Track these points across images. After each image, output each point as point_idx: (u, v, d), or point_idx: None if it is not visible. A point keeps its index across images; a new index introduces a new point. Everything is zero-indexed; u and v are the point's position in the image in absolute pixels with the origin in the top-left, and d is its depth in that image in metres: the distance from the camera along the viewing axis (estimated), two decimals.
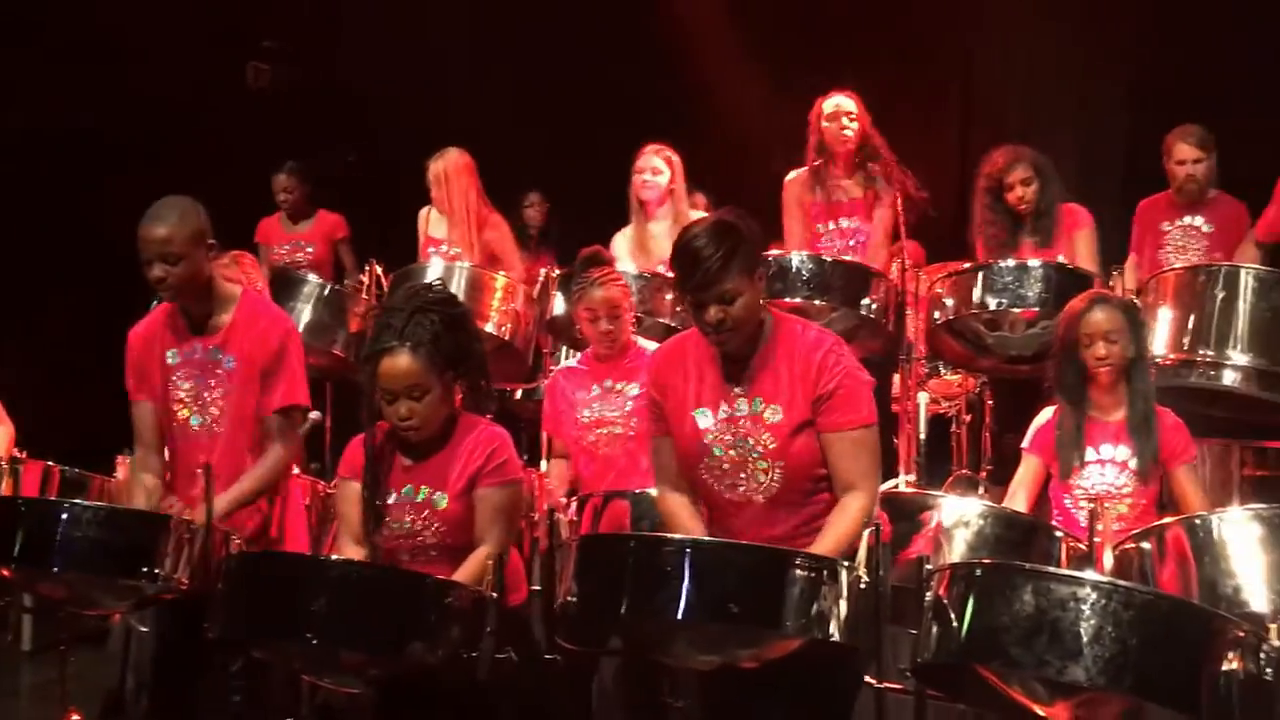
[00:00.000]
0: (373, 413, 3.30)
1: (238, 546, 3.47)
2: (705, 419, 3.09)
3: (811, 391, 3.02)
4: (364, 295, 5.62)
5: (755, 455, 3.05)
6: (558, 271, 5.39)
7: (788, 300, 4.76)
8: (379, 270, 5.61)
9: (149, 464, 3.72)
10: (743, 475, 3.07)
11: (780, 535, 3.03)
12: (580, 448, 4.33)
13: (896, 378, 5.35)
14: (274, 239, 6.75)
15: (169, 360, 3.67)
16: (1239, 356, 4.33)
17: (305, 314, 5.55)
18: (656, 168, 5.50)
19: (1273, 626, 2.67)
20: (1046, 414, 4.04)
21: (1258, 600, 3.32)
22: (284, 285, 5.65)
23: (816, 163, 5.38)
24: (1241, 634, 2.63)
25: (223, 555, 3.41)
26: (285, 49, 7.78)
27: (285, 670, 3.71)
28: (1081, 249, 5.16)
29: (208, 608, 3.20)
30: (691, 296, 3.02)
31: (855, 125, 5.31)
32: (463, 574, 3.16)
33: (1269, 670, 2.63)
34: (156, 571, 3.37)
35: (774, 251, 4.94)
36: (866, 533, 2.94)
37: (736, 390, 3.08)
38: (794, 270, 4.89)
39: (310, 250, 6.69)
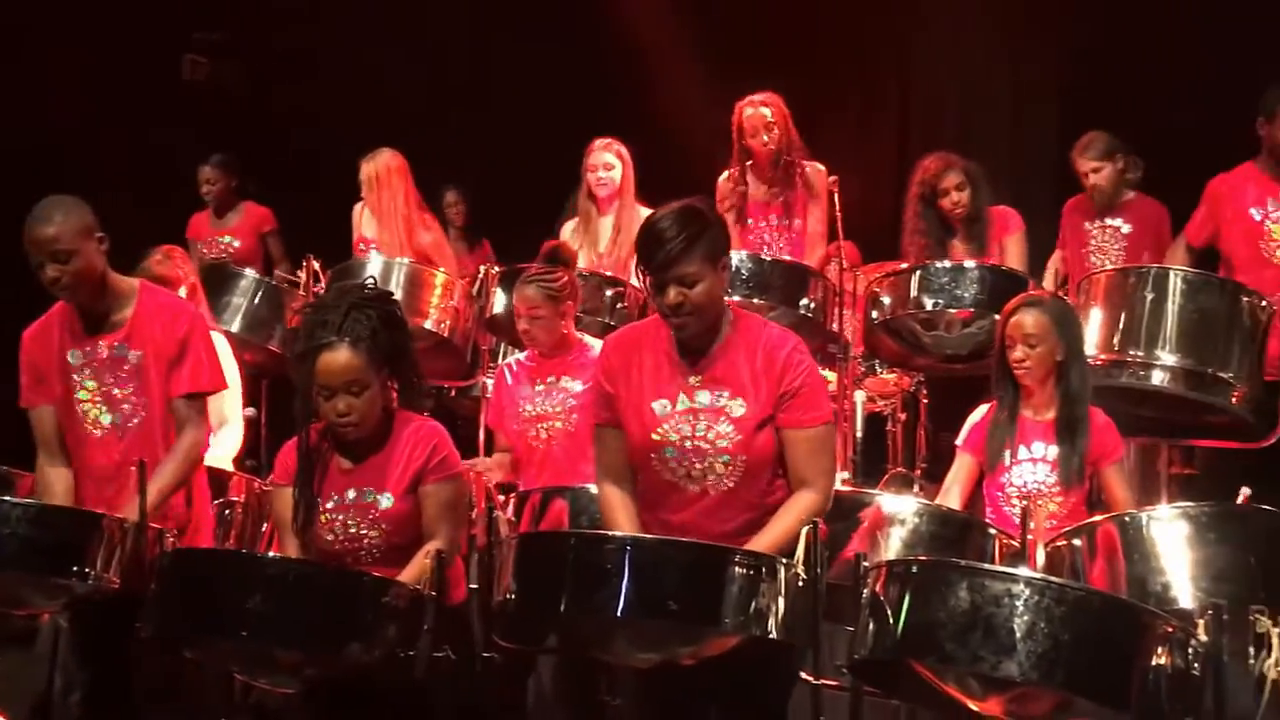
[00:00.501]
0: (307, 411, 3.27)
1: (171, 544, 3.43)
2: (663, 409, 3.08)
3: (776, 388, 3.03)
4: (301, 290, 5.57)
5: (717, 447, 3.05)
6: (497, 268, 5.38)
7: (727, 298, 4.78)
8: (316, 265, 5.56)
9: (55, 467, 3.67)
10: (699, 467, 3.06)
11: (729, 532, 3.03)
12: (522, 443, 4.32)
13: (833, 375, 5.40)
14: (201, 235, 6.68)
15: (70, 360, 3.62)
16: (1168, 357, 4.41)
17: (241, 309, 5.50)
18: (609, 163, 5.52)
19: (1200, 622, 2.74)
20: (981, 412, 4.10)
21: (1185, 597, 3.38)
22: (219, 279, 5.58)
23: (741, 165, 5.46)
24: (1170, 630, 2.68)
25: (156, 554, 3.37)
26: (222, 41, 7.68)
27: (219, 670, 3.67)
28: (1011, 252, 5.25)
29: (140, 607, 3.16)
30: (653, 277, 3.03)
31: (774, 134, 5.37)
32: (409, 572, 3.14)
33: (1196, 666, 2.68)
34: (88, 571, 3.34)
35: None
36: (804, 530, 2.96)
37: (693, 380, 3.08)
38: (734, 269, 4.92)
39: (236, 245, 6.61)
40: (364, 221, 5.87)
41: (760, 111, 5.39)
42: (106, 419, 3.60)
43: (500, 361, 5.37)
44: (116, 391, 3.59)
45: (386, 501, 3.23)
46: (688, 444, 3.06)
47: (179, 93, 7.67)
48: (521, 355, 4.55)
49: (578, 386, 4.23)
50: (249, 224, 6.68)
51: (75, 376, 3.61)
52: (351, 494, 3.25)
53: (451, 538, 3.25)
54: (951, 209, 5.21)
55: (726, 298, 4.67)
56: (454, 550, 3.28)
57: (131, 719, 3.56)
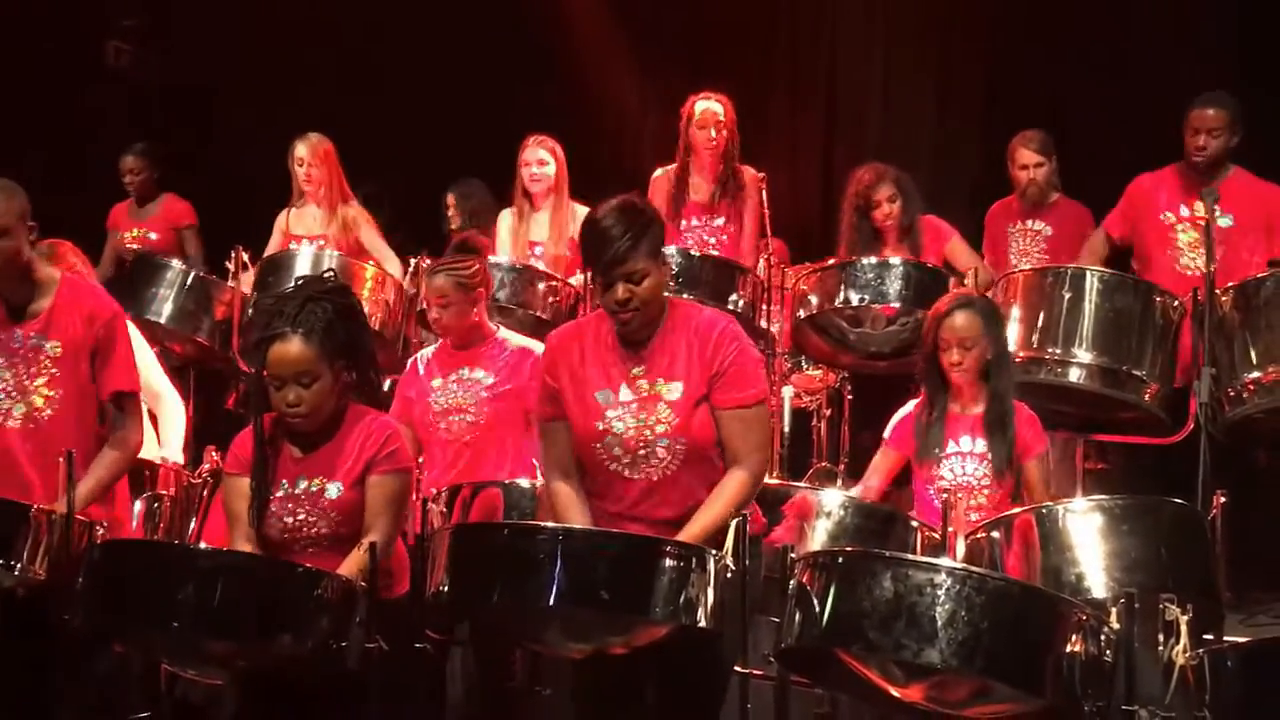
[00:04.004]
0: (261, 401, 3.27)
1: (101, 537, 3.41)
2: (606, 399, 3.13)
3: (709, 367, 3.09)
4: (229, 282, 5.53)
5: (657, 433, 3.09)
6: (428, 261, 5.38)
7: None
8: (245, 257, 5.53)
9: None
10: (642, 453, 3.10)
11: (676, 518, 3.07)
12: (430, 436, 4.31)
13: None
14: (121, 225, 6.59)
15: None
16: (1084, 355, 4.54)
17: (169, 300, 5.46)
18: (542, 159, 5.57)
19: (1113, 611, 2.83)
20: (908, 407, 4.18)
21: (1098, 587, 3.48)
22: (147, 270, 5.53)
23: (684, 161, 5.50)
24: (1084, 618, 2.77)
25: (83, 546, 3.35)
26: (147, 28, 7.57)
27: (146, 661, 3.66)
28: (960, 253, 5.34)
29: (66, 600, 3.14)
30: (601, 276, 3.08)
31: (722, 134, 5.42)
32: (348, 565, 3.15)
33: (1109, 652, 2.78)
34: (13, 563, 3.31)
35: None
36: (734, 523, 3.02)
37: (635, 371, 3.13)
38: None
39: (152, 238, 6.51)
40: (291, 221, 5.87)
41: (713, 107, 5.44)
42: (19, 410, 3.55)
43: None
44: (29, 383, 3.55)
45: (335, 491, 3.24)
46: (630, 432, 3.10)
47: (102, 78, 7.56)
48: (433, 347, 4.54)
49: (489, 379, 4.24)
50: (166, 218, 6.57)
51: None
52: (301, 483, 3.26)
53: (391, 531, 3.26)
54: (883, 220, 5.30)
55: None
56: (392, 544, 3.28)
57: (47, 710, 3.54)
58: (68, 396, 3.55)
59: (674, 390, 3.10)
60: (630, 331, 3.13)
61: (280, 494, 3.26)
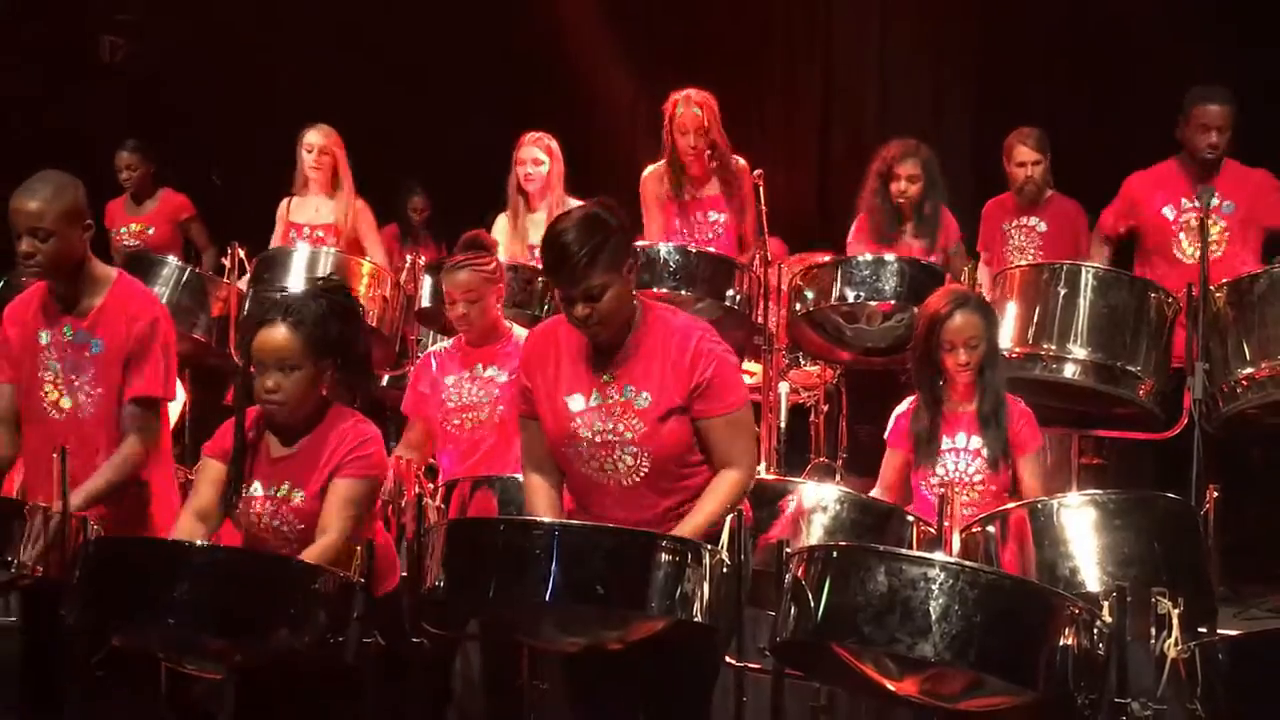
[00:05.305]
0: (248, 392, 3.28)
1: (96, 533, 3.42)
2: (576, 403, 3.14)
3: (687, 380, 3.08)
4: (226, 279, 5.54)
5: (624, 440, 3.10)
6: (424, 259, 5.40)
7: (655, 291, 4.85)
8: (241, 253, 5.53)
9: (2, 441, 3.65)
10: (610, 459, 3.11)
11: (646, 520, 3.09)
12: (444, 432, 4.34)
13: (758, 367, 5.49)
14: (117, 222, 6.59)
15: (41, 341, 3.61)
16: (1079, 350, 4.56)
17: (164, 297, 5.44)
18: (538, 158, 5.55)
19: (1105, 605, 2.85)
20: (905, 405, 4.17)
21: (1092, 581, 3.50)
22: (142, 267, 5.53)
23: (670, 159, 5.45)
24: (1077, 611, 2.78)
25: (79, 542, 3.36)
26: (141, 22, 7.58)
27: (145, 656, 3.66)
28: (954, 263, 5.35)
29: (63, 595, 3.15)
30: (560, 290, 3.08)
31: (704, 137, 5.33)
32: (310, 553, 3.16)
33: (1101, 646, 2.80)
34: (9, 559, 3.32)
35: (641, 243, 5.01)
36: (729, 518, 3.04)
37: (605, 377, 3.13)
38: (661, 261, 4.99)
39: (150, 232, 6.53)
40: (293, 210, 5.87)
41: (692, 111, 5.34)
42: (66, 403, 3.59)
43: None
44: (75, 379, 3.58)
45: (300, 498, 3.27)
46: (598, 438, 3.11)
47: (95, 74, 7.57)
48: (447, 343, 4.57)
49: (503, 376, 4.25)
50: (165, 212, 6.59)
51: (42, 356, 3.60)
52: (273, 486, 3.28)
53: (346, 532, 3.22)
54: (898, 195, 5.30)
55: (656, 290, 4.76)
56: (348, 548, 3.24)
57: (60, 704, 3.56)
58: (107, 396, 3.57)
59: (643, 400, 3.10)
60: (598, 342, 3.13)
61: (254, 492, 3.28)
